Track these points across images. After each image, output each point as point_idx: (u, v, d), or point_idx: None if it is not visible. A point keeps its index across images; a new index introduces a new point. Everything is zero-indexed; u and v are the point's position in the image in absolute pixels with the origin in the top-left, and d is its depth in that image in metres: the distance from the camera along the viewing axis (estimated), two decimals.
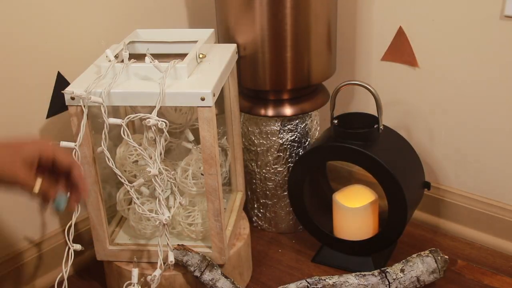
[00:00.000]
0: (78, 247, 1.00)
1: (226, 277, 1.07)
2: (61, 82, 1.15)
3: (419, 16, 1.24)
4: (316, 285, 1.09)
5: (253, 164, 1.32)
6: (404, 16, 1.27)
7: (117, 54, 1.04)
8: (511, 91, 1.18)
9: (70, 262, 0.98)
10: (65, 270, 0.97)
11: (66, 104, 0.98)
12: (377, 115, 1.17)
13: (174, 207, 1.04)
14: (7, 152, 0.78)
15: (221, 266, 1.10)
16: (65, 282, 0.99)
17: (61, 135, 1.18)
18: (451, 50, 1.23)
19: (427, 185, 1.25)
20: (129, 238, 1.15)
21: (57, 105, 1.16)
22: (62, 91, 0.97)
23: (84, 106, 0.96)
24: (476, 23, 1.17)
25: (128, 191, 1.13)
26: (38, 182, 0.80)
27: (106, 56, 1.03)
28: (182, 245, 1.09)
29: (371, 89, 1.15)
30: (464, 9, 1.18)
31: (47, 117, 1.16)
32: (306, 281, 1.10)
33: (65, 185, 0.84)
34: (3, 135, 1.09)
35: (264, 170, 1.31)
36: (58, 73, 1.15)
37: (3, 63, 1.06)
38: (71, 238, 0.98)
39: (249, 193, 1.37)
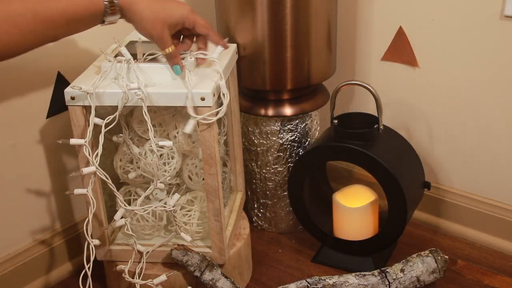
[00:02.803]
0: (97, 242, 1.03)
1: (226, 277, 1.07)
2: (61, 82, 1.15)
3: (419, 16, 1.24)
4: (316, 285, 1.09)
5: (253, 164, 1.32)
6: (404, 16, 1.27)
7: (117, 54, 1.04)
8: (511, 91, 1.18)
9: (92, 258, 1.00)
10: (88, 266, 0.98)
11: (66, 104, 0.98)
12: (377, 115, 1.17)
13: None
14: (158, 20, 0.92)
15: (221, 266, 1.10)
16: (89, 280, 0.99)
17: (61, 135, 1.18)
18: (451, 50, 1.23)
19: (427, 185, 1.25)
20: (128, 238, 1.15)
21: (57, 105, 1.16)
22: (69, 86, 0.97)
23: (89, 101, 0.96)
24: (476, 23, 1.17)
25: (127, 192, 1.14)
26: (172, 48, 0.96)
27: (106, 57, 1.03)
28: (182, 245, 1.09)
29: (371, 89, 1.15)
30: (464, 9, 1.18)
31: (47, 117, 1.16)
32: (306, 281, 1.10)
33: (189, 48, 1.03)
34: (3, 135, 1.09)
35: (264, 170, 1.31)
36: (58, 73, 1.15)
37: (3, 63, 1.06)
38: (89, 233, 0.99)
39: (249, 193, 1.37)
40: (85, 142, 0.98)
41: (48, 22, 0.85)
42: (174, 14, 0.94)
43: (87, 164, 1.01)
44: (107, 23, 0.92)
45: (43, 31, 0.85)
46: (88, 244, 0.99)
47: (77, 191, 1.01)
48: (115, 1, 0.90)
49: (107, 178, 0.99)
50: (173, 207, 1.04)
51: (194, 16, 0.97)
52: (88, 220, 0.99)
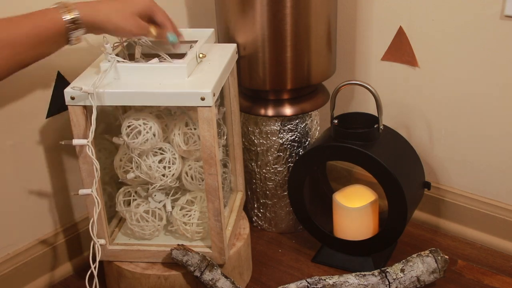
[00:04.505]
0: (103, 241, 1.04)
1: (226, 277, 1.07)
2: (61, 82, 1.15)
3: (419, 16, 1.24)
4: (316, 285, 1.09)
5: (253, 164, 1.32)
6: (404, 16, 1.27)
7: (117, 53, 1.04)
8: (510, 91, 1.18)
9: (98, 257, 1.00)
10: (94, 266, 0.98)
11: (66, 103, 0.98)
12: (377, 115, 1.17)
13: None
14: (126, 15, 0.95)
15: (221, 266, 1.10)
16: (96, 280, 0.99)
17: (61, 135, 1.18)
18: (451, 50, 1.23)
19: (427, 185, 1.25)
20: (128, 239, 1.15)
21: (57, 105, 1.16)
22: (69, 86, 0.97)
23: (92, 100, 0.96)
24: (476, 23, 1.17)
25: (127, 192, 1.14)
26: (153, 29, 1.00)
27: (106, 56, 1.03)
28: (182, 245, 1.09)
29: (371, 89, 1.15)
30: (464, 9, 1.18)
31: (47, 117, 1.16)
32: (306, 281, 1.10)
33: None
34: (3, 135, 1.09)
35: (264, 170, 1.31)
36: (58, 73, 1.15)
37: None
38: (95, 233, 0.99)
39: (249, 193, 1.37)
40: (88, 142, 0.97)
41: (13, 47, 0.85)
42: (138, 4, 0.97)
43: (88, 164, 1.01)
44: (75, 41, 0.92)
45: (11, 57, 0.86)
46: (94, 244, 0.99)
47: (82, 191, 1.01)
48: (77, 15, 0.90)
49: (93, 153, 0.97)
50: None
51: (154, 5, 1.00)
52: (94, 220, 0.99)
